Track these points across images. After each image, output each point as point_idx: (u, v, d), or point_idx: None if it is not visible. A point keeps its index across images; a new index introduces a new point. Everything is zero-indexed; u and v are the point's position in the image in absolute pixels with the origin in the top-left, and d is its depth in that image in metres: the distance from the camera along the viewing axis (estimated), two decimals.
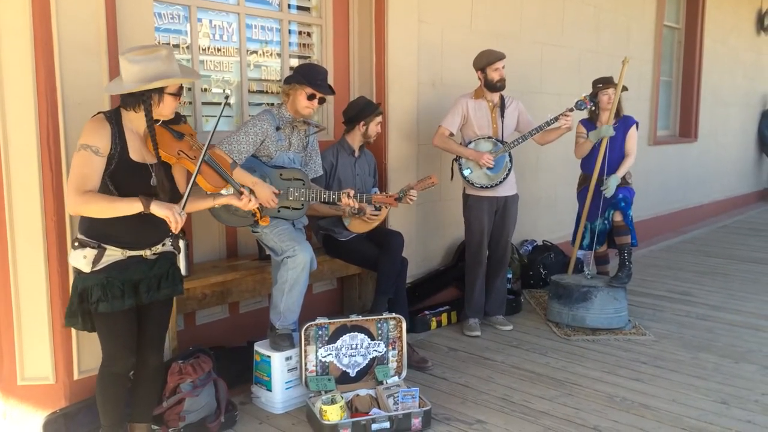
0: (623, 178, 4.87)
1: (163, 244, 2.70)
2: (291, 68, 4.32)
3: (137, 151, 2.57)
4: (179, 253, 2.84)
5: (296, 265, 3.37)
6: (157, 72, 2.50)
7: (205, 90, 4.01)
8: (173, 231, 2.50)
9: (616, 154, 4.87)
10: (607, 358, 4.17)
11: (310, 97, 3.50)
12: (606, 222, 4.89)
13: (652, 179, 7.89)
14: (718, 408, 3.46)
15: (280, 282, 3.44)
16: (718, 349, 4.34)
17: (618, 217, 4.78)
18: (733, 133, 10.28)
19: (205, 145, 2.58)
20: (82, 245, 2.54)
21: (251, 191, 3.41)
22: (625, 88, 4.93)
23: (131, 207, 2.46)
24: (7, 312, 3.06)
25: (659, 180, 8.16)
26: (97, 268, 2.53)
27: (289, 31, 4.42)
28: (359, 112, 4.11)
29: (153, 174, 2.58)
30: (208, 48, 3.99)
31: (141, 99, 2.52)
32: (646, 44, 7.67)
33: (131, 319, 2.65)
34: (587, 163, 4.97)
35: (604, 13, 6.80)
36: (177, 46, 3.82)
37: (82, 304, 2.56)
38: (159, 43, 3.67)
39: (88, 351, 3.11)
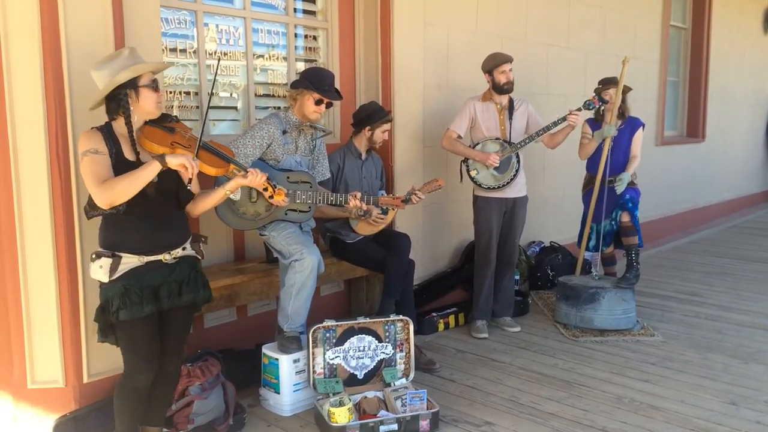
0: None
1: (183, 248, 2.70)
2: (297, 72, 4.34)
3: (130, 151, 2.57)
4: (202, 258, 2.80)
5: (304, 268, 3.38)
6: (123, 67, 2.54)
7: (212, 94, 4.02)
8: (190, 176, 2.52)
9: (622, 155, 4.87)
10: (616, 359, 4.16)
11: (318, 102, 3.52)
12: (613, 223, 4.88)
13: (659, 179, 7.87)
14: (727, 409, 3.45)
15: (287, 285, 3.45)
16: (726, 349, 4.33)
17: (625, 217, 4.78)
18: (741, 132, 10.24)
19: (202, 125, 2.60)
20: (99, 256, 2.56)
21: (259, 192, 3.44)
22: (629, 89, 4.91)
23: (151, 170, 2.47)
24: (18, 316, 3.08)
25: (667, 180, 8.14)
26: (114, 276, 2.53)
27: (296, 35, 4.43)
28: (367, 116, 4.13)
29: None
30: (215, 52, 4.01)
31: (119, 100, 2.54)
32: (652, 44, 7.64)
33: (152, 328, 2.63)
34: (592, 164, 4.96)
35: (610, 14, 6.79)
36: (184, 50, 3.84)
37: (104, 316, 2.57)
38: (165, 48, 3.70)
39: (98, 355, 3.13)
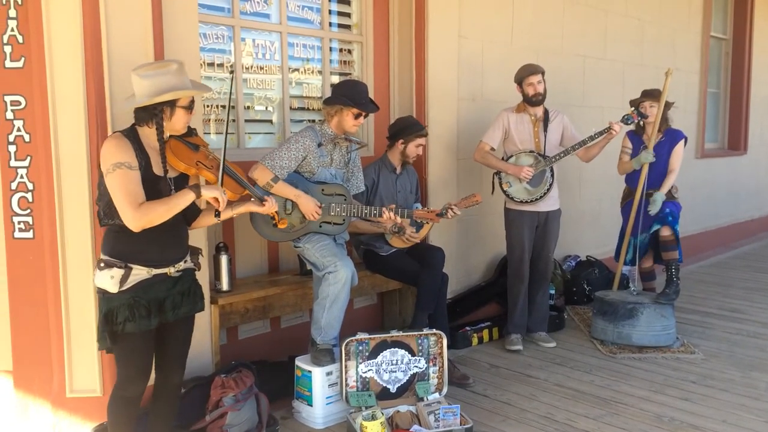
0: (669, 192, 4.75)
1: (185, 261, 2.70)
2: (332, 85, 4.37)
3: (158, 165, 2.56)
4: (199, 269, 2.81)
5: (337, 280, 3.39)
6: (167, 85, 2.52)
7: (248, 108, 4.09)
8: (220, 210, 2.60)
9: (662, 167, 4.74)
10: (655, 376, 4.07)
11: (357, 116, 3.54)
12: (649, 235, 4.78)
13: (699, 193, 7.71)
14: None
15: (321, 297, 3.46)
16: None
17: (666, 231, 4.66)
18: None
19: (223, 152, 2.61)
20: (108, 265, 2.51)
21: (294, 204, 3.47)
22: (671, 104, 4.81)
23: (185, 199, 2.53)
24: (58, 327, 3.15)
25: (707, 193, 7.97)
26: (124, 288, 2.50)
27: (330, 49, 4.48)
28: (401, 129, 4.14)
29: (172, 187, 2.58)
30: (252, 66, 4.07)
31: (153, 113, 2.53)
32: (692, 56, 7.52)
33: (150, 340, 2.61)
34: (632, 177, 4.87)
35: (647, 25, 6.70)
36: (221, 65, 3.91)
37: (108, 326, 2.52)
38: (203, 62, 3.76)
39: None
